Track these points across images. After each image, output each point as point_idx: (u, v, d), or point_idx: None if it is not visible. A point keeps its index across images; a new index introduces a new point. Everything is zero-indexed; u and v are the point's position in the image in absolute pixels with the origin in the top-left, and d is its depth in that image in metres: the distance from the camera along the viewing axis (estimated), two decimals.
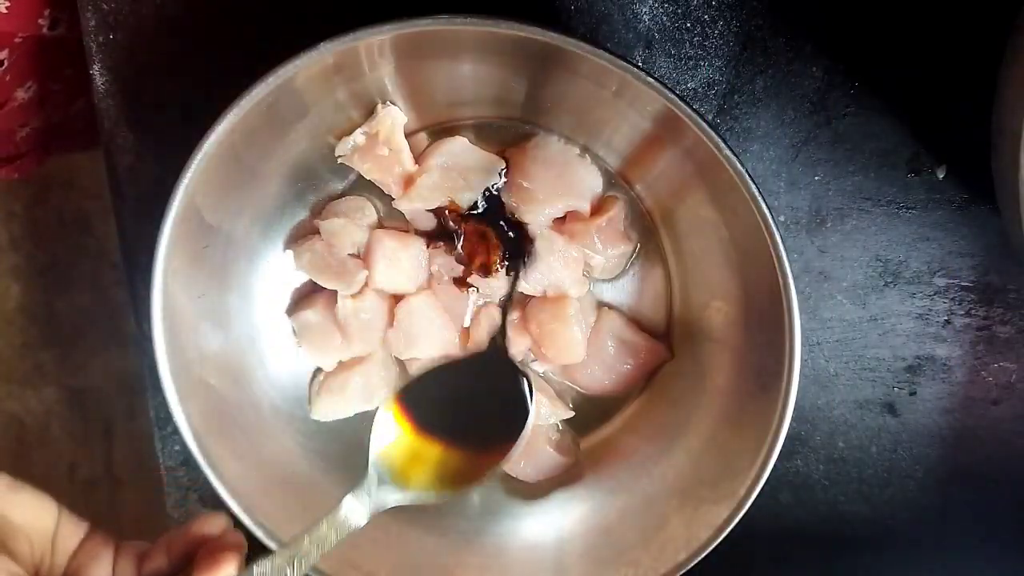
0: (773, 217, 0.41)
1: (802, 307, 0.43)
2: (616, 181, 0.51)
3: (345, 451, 0.54)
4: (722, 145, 0.40)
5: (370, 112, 0.48)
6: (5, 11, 0.57)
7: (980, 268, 0.54)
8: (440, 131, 0.50)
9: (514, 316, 0.52)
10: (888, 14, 0.50)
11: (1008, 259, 0.54)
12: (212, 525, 0.38)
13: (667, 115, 0.41)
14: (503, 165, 0.50)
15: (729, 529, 0.45)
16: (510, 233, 0.51)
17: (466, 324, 0.53)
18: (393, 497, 0.43)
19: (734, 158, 0.40)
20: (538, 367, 0.54)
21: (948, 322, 0.56)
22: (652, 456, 0.52)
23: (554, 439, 0.54)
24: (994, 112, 0.46)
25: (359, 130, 0.48)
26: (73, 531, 0.38)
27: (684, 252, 0.51)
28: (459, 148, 0.50)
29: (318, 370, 0.54)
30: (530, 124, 0.50)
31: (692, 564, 0.46)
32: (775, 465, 0.44)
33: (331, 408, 0.53)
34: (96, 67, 0.52)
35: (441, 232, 0.52)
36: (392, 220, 0.52)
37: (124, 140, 0.53)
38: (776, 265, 0.42)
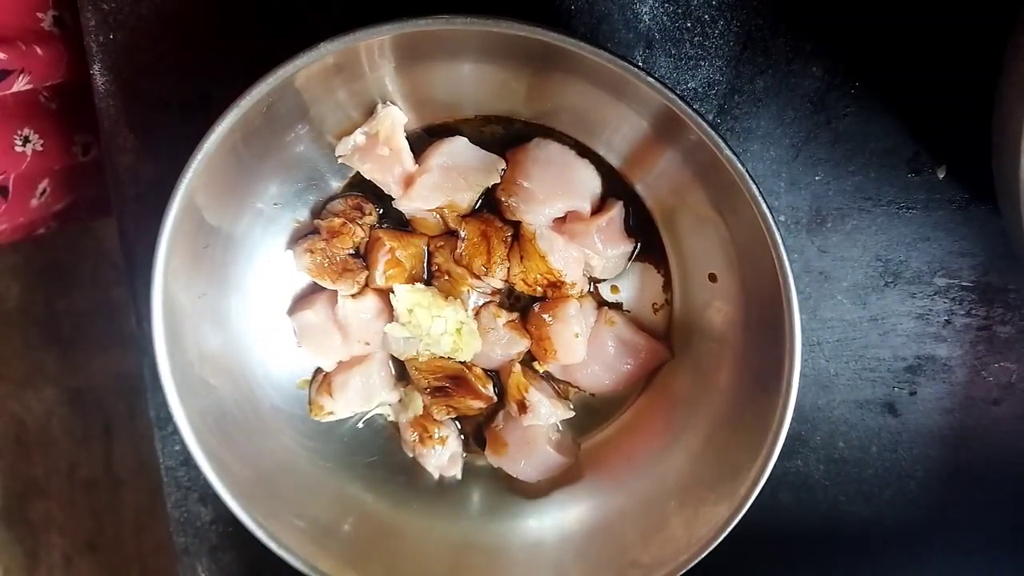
0: (773, 217, 0.41)
1: (802, 307, 0.43)
2: (616, 181, 0.51)
3: (345, 451, 0.54)
4: (722, 145, 0.40)
5: (370, 112, 0.48)
6: (41, 148, 0.60)
7: (980, 268, 0.54)
8: (440, 131, 0.50)
9: (512, 317, 0.52)
10: (888, 14, 0.50)
11: (1008, 259, 0.54)
12: None
13: (667, 115, 0.41)
14: (503, 165, 0.50)
15: (729, 529, 0.45)
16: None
17: None
18: None
19: (734, 158, 0.40)
20: (538, 367, 0.54)
21: (948, 322, 0.55)
22: (652, 456, 0.52)
23: (554, 439, 0.54)
24: (994, 112, 0.46)
25: (359, 130, 0.48)
26: None
27: (684, 252, 0.51)
28: (459, 148, 0.50)
29: (318, 370, 0.54)
30: (530, 124, 0.50)
31: (692, 564, 0.46)
32: (775, 465, 0.44)
33: (331, 408, 0.53)
34: (96, 67, 0.52)
35: (441, 232, 0.52)
36: (392, 220, 0.52)
37: (124, 140, 0.53)
38: (776, 265, 0.42)
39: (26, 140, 0.59)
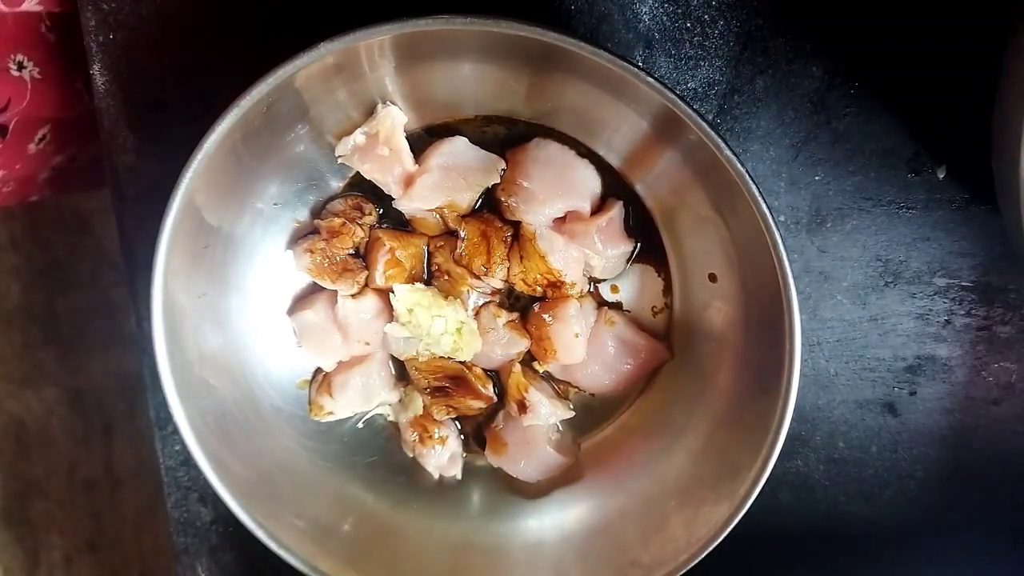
0: (773, 217, 0.41)
1: (802, 307, 0.43)
2: (616, 181, 0.51)
3: (345, 451, 0.54)
4: (722, 145, 0.40)
5: (370, 112, 0.48)
6: (39, 76, 0.59)
7: (980, 268, 0.54)
8: (440, 131, 0.50)
9: (512, 317, 0.52)
10: (888, 14, 0.50)
11: (1008, 259, 0.54)
12: None
13: (667, 115, 0.41)
14: (503, 165, 0.50)
15: (729, 529, 0.45)
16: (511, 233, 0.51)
17: None
18: None
19: (734, 158, 0.40)
20: (538, 367, 0.54)
21: (948, 322, 0.55)
22: (652, 456, 0.52)
23: (554, 439, 0.54)
24: (994, 112, 0.46)
25: (359, 130, 0.48)
26: None
27: (684, 252, 0.51)
28: (459, 148, 0.50)
29: (318, 370, 0.54)
30: (530, 124, 0.50)
31: (692, 564, 0.46)
32: (775, 465, 0.44)
33: (331, 408, 0.53)
34: (96, 67, 0.52)
35: (441, 232, 0.52)
36: (392, 220, 0.52)
37: (124, 140, 0.53)
38: (776, 265, 0.42)
39: (20, 65, 0.57)
